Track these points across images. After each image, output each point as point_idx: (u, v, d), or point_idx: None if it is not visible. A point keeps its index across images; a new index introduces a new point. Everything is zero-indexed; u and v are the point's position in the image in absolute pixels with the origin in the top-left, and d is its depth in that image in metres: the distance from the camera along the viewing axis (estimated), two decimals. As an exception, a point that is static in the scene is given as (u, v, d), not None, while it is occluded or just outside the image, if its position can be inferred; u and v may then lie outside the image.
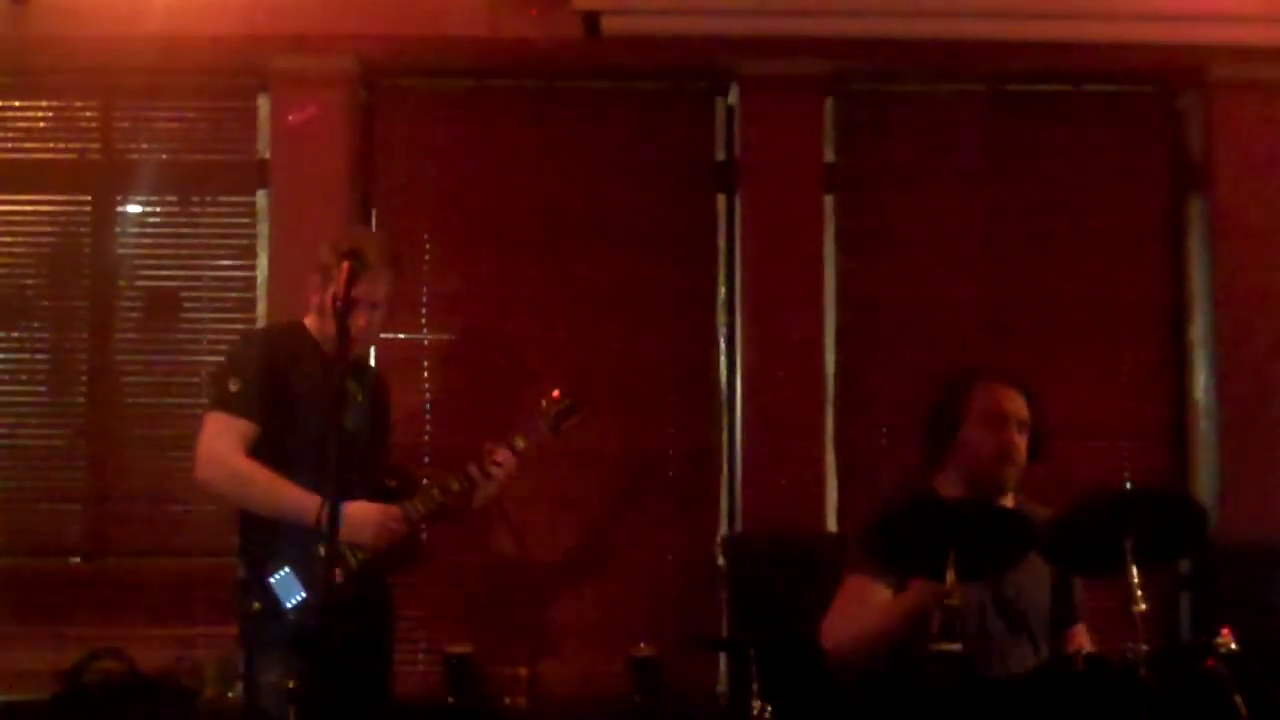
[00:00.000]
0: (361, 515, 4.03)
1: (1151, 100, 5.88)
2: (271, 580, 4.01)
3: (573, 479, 5.55)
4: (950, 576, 3.58)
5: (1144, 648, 3.54)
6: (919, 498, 4.06)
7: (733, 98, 5.75)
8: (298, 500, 3.95)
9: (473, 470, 4.24)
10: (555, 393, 4.46)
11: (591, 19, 5.48)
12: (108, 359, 5.62)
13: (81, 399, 5.63)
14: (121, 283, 5.68)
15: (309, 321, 4.23)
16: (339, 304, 3.63)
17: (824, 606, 4.02)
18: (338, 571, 3.82)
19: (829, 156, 5.76)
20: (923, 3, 5.52)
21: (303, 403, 4.08)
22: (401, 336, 5.58)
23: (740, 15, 5.54)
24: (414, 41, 5.55)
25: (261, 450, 4.07)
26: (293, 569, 4.01)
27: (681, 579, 5.62)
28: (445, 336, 5.68)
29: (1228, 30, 5.51)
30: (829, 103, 5.76)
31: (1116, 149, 5.85)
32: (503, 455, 4.28)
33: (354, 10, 5.50)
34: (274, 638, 3.96)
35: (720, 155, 5.81)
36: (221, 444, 4.07)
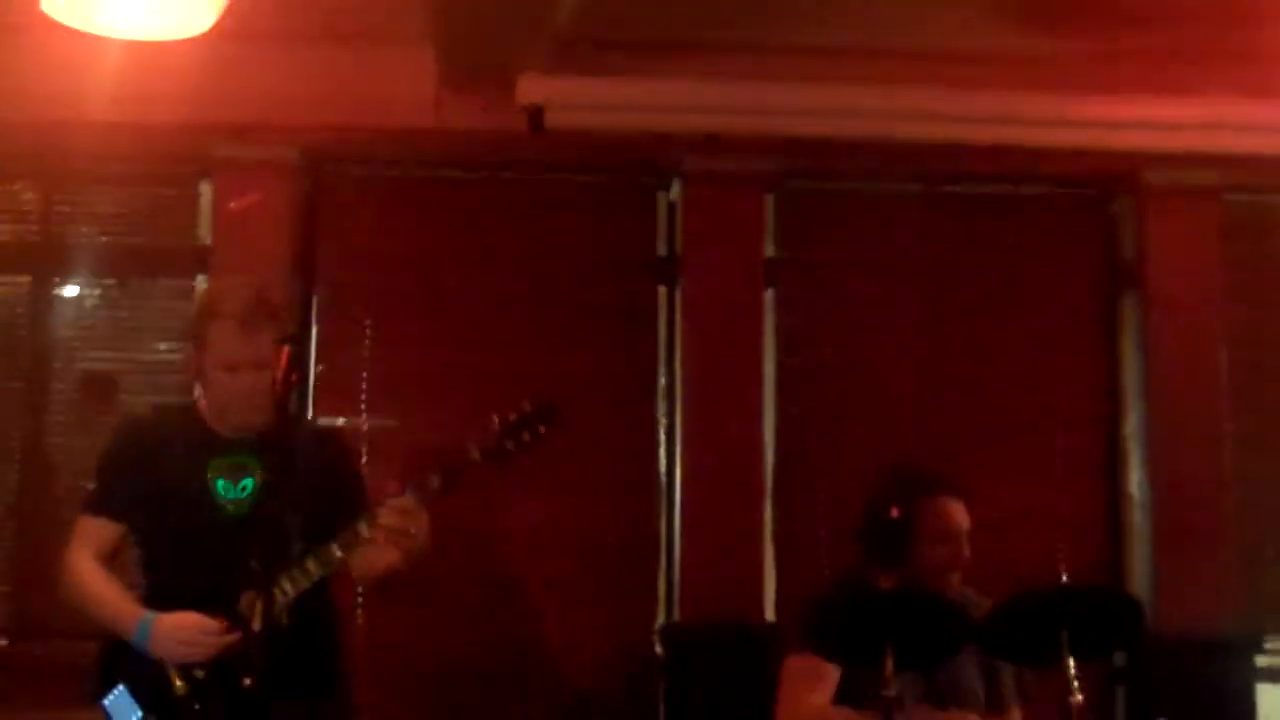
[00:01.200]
0: (166, 630, 3.55)
1: (1086, 203, 5.99)
2: (105, 703, 3.62)
3: (509, 564, 5.53)
4: (888, 666, 3.59)
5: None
6: (856, 588, 4.08)
7: (675, 193, 5.81)
8: (117, 614, 3.61)
9: (361, 528, 3.58)
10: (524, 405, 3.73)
11: (535, 113, 5.51)
12: (41, 440, 5.56)
13: (13, 480, 5.56)
14: (58, 364, 5.64)
15: (200, 403, 3.79)
16: (280, 389, 3.35)
17: (762, 696, 4.01)
18: (178, 684, 3.54)
19: (769, 251, 5.83)
20: (862, 104, 5.59)
21: (166, 492, 3.66)
22: (341, 421, 5.56)
23: (683, 112, 5.59)
24: (358, 131, 5.57)
25: (141, 548, 3.75)
26: (128, 685, 3.61)
27: (619, 668, 5.58)
28: (385, 422, 5.66)
29: (1160, 137, 5.61)
30: (770, 199, 5.83)
31: (1052, 249, 5.94)
32: (394, 504, 3.58)
33: (298, 100, 5.49)
34: None
35: (662, 249, 5.86)
36: (71, 548, 3.72)
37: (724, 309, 5.71)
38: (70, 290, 5.70)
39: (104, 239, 5.70)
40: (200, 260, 5.64)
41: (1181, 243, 5.81)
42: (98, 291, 5.73)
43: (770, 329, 5.78)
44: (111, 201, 5.76)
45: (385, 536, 3.58)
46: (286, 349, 3.40)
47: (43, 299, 5.66)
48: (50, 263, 5.68)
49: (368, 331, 5.69)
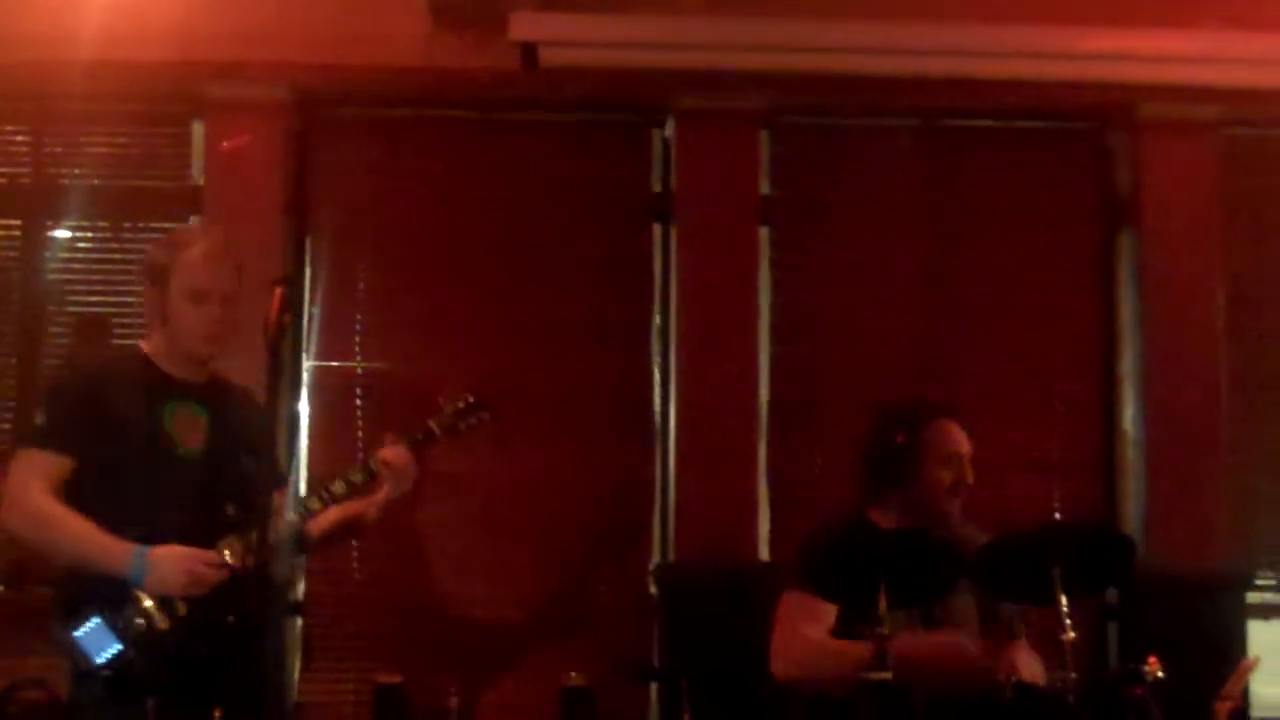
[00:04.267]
0: (167, 562, 3.48)
1: (1082, 137, 5.95)
2: (77, 635, 3.47)
3: (505, 507, 5.55)
4: (882, 605, 3.61)
5: (1072, 676, 3.59)
6: (853, 527, 4.09)
7: (669, 130, 5.78)
8: (104, 548, 3.48)
9: (336, 486, 3.75)
10: (468, 396, 3.99)
11: (529, 50, 5.49)
12: (36, 383, 5.55)
13: (7, 425, 5.56)
14: (51, 308, 5.63)
15: (146, 344, 3.74)
16: (271, 330, 3.30)
17: (757, 636, 4.02)
18: (160, 618, 3.47)
19: (764, 189, 5.80)
20: (857, 39, 5.56)
21: (122, 429, 3.57)
22: (335, 365, 5.56)
23: (677, 49, 5.56)
24: (350, 70, 5.53)
25: (83, 488, 3.57)
26: (103, 618, 3.47)
27: (614, 608, 5.61)
28: (378, 365, 5.66)
29: (1156, 70, 5.58)
30: (764, 136, 5.80)
31: (1047, 184, 5.92)
32: (399, 450, 3.80)
33: (290, 39, 5.46)
34: (92, 699, 3.48)
35: (656, 187, 5.84)
36: (24, 483, 3.56)
37: (719, 247, 5.70)
38: (62, 233, 5.68)
39: (96, 181, 5.66)
40: (193, 201, 5.63)
41: (1178, 177, 5.78)
42: (90, 234, 5.71)
43: (765, 267, 5.77)
44: (103, 143, 5.73)
45: (385, 473, 3.78)
46: (280, 290, 3.36)
47: (35, 242, 5.65)
48: (42, 205, 5.66)
49: (361, 273, 5.68)
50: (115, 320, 5.59)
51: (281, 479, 3.92)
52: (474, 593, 5.54)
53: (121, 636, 3.47)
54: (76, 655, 3.48)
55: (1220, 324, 5.72)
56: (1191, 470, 5.62)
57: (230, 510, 3.57)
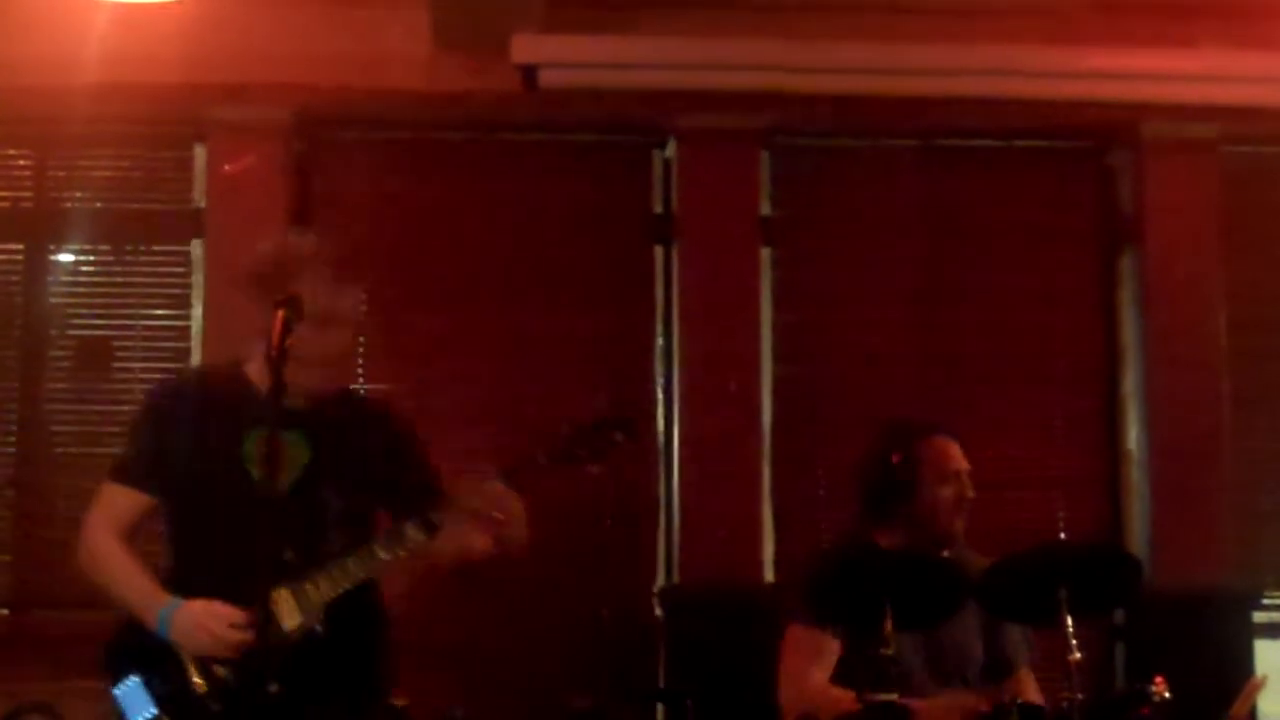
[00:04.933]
0: (188, 619, 3.19)
1: (1083, 156, 5.96)
2: (116, 693, 3.27)
3: (510, 529, 5.53)
4: (887, 626, 3.60)
5: (1079, 696, 3.59)
6: (857, 549, 4.08)
7: (670, 151, 5.79)
8: (140, 595, 3.24)
9: (410, 530, 3.28)
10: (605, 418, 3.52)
11: (530, 72, 5.50)
12: (38, 408, 5.56)
13: (10, 449, 5.56)
14: (53, 331, 5.63)
15: (252, 362, 3.37)
16: (274, 356, 2.98)
17: (761, 657, 4.02)
18: (197, 681, 3.20)
19: (765, 210, 5.81)
20: (858, 60, 5.57)
21: (199, 463, 3.30)
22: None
23: (677, 70, 5.58)
24: (352, 92, 5.54)
25: (170, 524, 3.38)
26: (142, 677, 3.25)
27: (618, 630, 5.59)
28: (381, 388, 5.65)
29: (1158, 88, 5.60)
30: (765, 156, 5.81)
31: (1049, 204, 5.92)
32: (486, 488, 3.32)
33: (292, 61, 5.47)
34: None
35: (658, 208, 5.84)
36: (91, 517, 3.40)
37: (721, 267, 5.70)
38: (65, 256, 5.68)
39: (98, 204, 5.67)
40: (195, 224, 5.63)
41: (1180, 196, 5.79)
42: (92, 257, 5.71)
43: (767, 287, 5.76)
44: (106, 166, 5.74)
45: (470, 520, 3.32)
46: (281, 313, 3.04)
47: (37, 265, 5.64)
48: (44, 229, 5.66)
49: (362, 295, 5.65)
50: (117, 344, 5.59)
51: (415, 500, 3.35)
52: (478, 614, 5.52)
53: (158, 699, 3.23)
54: (116, 713, 3.29)
55: (1223, 342, 5.72)
56: (1196, 489, 5.61)
57: (289, 556, 3.19)
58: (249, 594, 3.09)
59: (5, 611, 5.46)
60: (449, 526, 3.31)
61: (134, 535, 3.39)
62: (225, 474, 3.27)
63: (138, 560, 3.33)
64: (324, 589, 3.23)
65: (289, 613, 3.19)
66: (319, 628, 3.22)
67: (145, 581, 3.27)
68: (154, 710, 3.23)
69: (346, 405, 3.45)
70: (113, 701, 3.28)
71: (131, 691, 3.26)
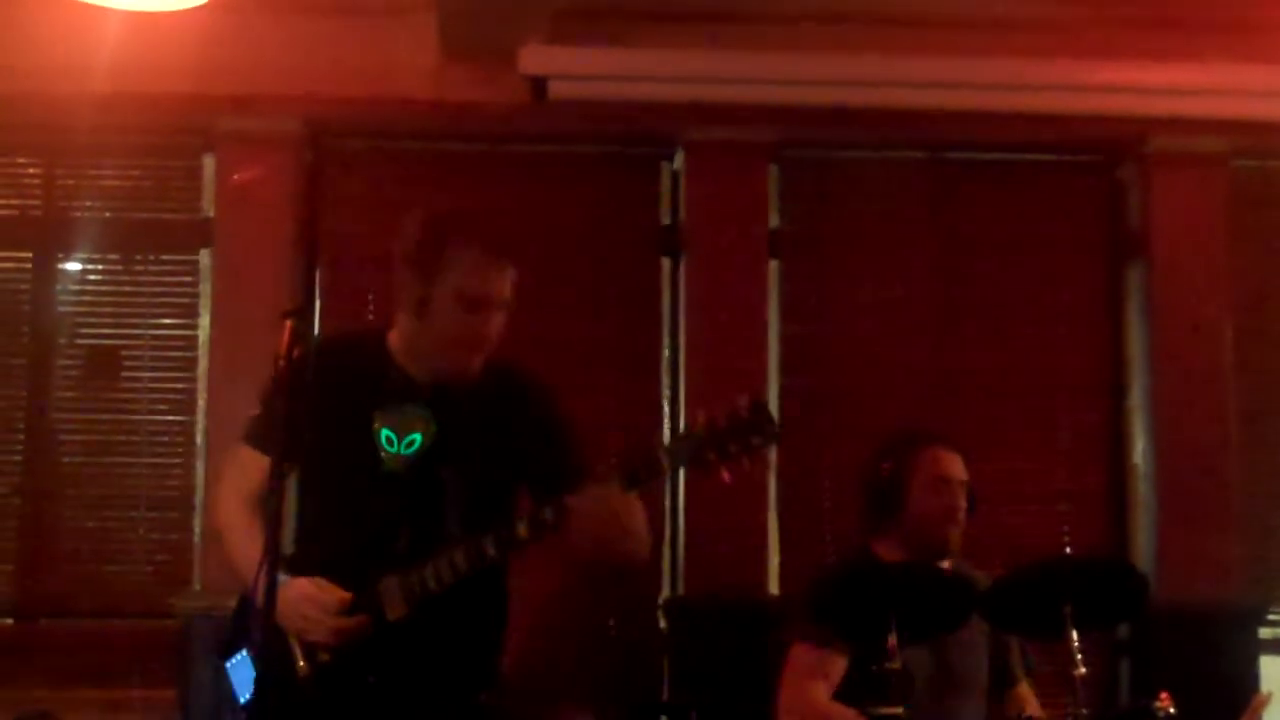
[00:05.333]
0: (290, 598, 3.02)
1: (1091, 170, 5.96)
2: (228, 665, 3.22)
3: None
4: (892, 640, 3.60)
5: (1084, 712, 3.59)
6: (859, 563, 4.08)
7: (678, 163, 5.79)
8: (250, 565, 2.91)
9: (520, 528, 3.14)
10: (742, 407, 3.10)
11: (538, 84, 5.52)
12: (45, 417, 5.56)
13: (18, 457, 5.55)
14: (61, 340, 5.62)
15: (393, 335, 3.27)
16: (281, 367, 2.86)
17: (766, 670, 4.02)
18: (301, 663, 3.07)
19: (773, 222, 5.80)
20: (866, 73, 5.58)
21: (326, 434, 3.10)
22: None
23: (686, 82, 5.59)
24: (361, 103, 5.55)
25: (301, 492, 3.25)
26: (250, 651, 3.17)
27: (623, 642, 5.59)
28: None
29: (1166, 103, 5.60)
30: (773, 169, 5.80)
31: (1057, 217, 5.91)
32: (598, 491, 3.07)
33: (301, 71, 5.48)
34: None
35: (665, 219, 5.84)
36: (221, 481, 3.34)
37: (728, 279, 5.69)
38: (73, 265, 5.69)
39: (107, 213, 5.68)
40: (204, 234, 5.63)
41: (1187, 210, 5.78)
42: (101, 266, 5.71)
43: (774, 300, 5.76)
44: (115, 175, 5.74)
45: (573, 524, 3.09)
46: (290, 322, 2.95)
47: (46, 274, 5.65)
48: (53, 238, 5.67)
49: (371, 304, 5.68)
50: (126, 353, 5.60)
51: (548, 486, 3.20)
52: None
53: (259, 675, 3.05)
54: (227, 687, 3.21)
55: (1230, 356, 5.71)
56: (1203, 504, 5.59)
57: (402, 542, 3.10)
58: (359, 577, 3.05)
59: (10, 620, 5.45)
60: (569, 526, 3.10)
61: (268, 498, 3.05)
62: (354, 447, 3.15)
63: (257, 529, 3.09)
64: (430, 582, 3.08)
65: (393, 603, 3.08)
66: (417, 620, 3.08)
67: (252, 547, 3.00)
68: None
69: (491, 383, 3.26)
70: (224, 674, 3.22)
71: (240, 665, 3.19)
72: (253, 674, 3.09)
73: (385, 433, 3.17)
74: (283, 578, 2.93)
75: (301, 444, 2.96)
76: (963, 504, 4.06)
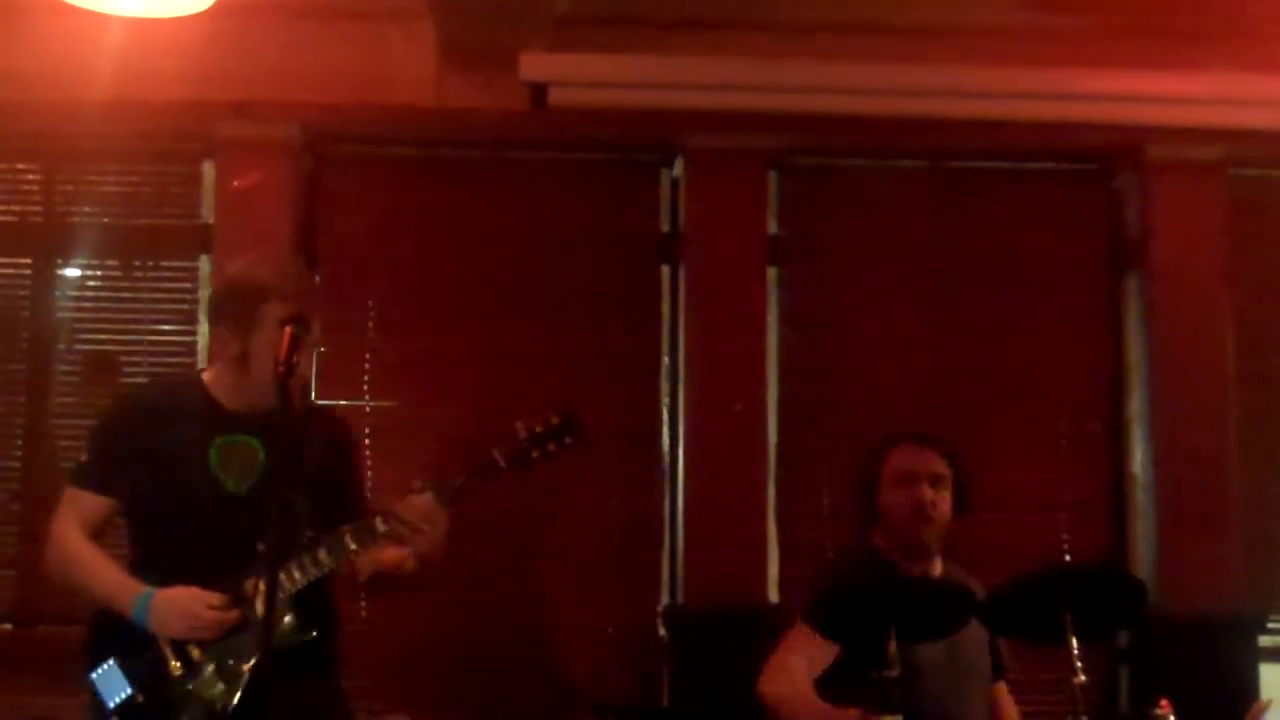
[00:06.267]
0: (166, 604, 3.43)
1: (1090, 178, 5.96)
2: (93, 676, 3.50)
3: (514, 547, 5.54)
4: (892, 648, 3.60)
5: (1084, 719, 3.57)
6: (866, 561, 4.09)
7: (678, 170, 5.80)
8: (116, 588, 3.49)
9: (377, 524, 3.54)
10: (551, 417, 3.65)
11: (538, 90, 5.52)
12: (44, 423, 5.56)
13: (16, 463, 5.56)
14: (61, 346, 5.63)
15: (208, 374, 3.71)
16: (281, 371, 3.21)
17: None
18: (174, 664, 3.45)
19: (773, 229, 5.81)
20: (865, 81, 5.58)
21: (165, 466, 3.55)
22: (344, 403, 5.55)
23: (685, 89, 5.59)
24: (360, 109, 5.56)
25: (132, 525, 3.63)
26: (119, 661, 3.48)
27: (622, 649, 5.59)
28: (388, 403, 5.66)
29: (1164, 111, 5.61)
30: (773, 176, 5.81)
31: (1056, 225, 5.91)
32: (416, 500, 3.54)
33: (300, 78, 5.49)
34: None
35: (665, 227, 5.84)
36: (58, 521, 3.61)
37: (727, 287, 5.69)
38: (73, 271, 5.69)
39: (106, 219, 5.68)
40: (203, 240, 5.63)
41: (1186, 218, 5.78)
42: (100, 272, 5.71)
43: (774, 307, 5.77)
44: (114, 181, 5.74)
45: (400, 533, 3.54)
46: (289, 330, 3.28)
47: (45, 280, 5.65)
48: (52, 243, 5.67)
49: (370, 312, 5.68)
50: (125, 359, 5.60)
51: (359, 511, 3.68)
52: (481, 633, 5.52)
53: (132, 680, 3.46)
54: (93, 697, 3.49)
55: (1229, 364, 5.71)
56: (1202, 512, 5.58)
57: (261, 548, 3.41)
58: (216, 585, 3.46)
59: (9, 626, 5.46)
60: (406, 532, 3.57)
61: (98, 537, 3.62)
62: (194, 477, 3.53)
63: (106, 554, 3.57)
64: (297, 577, 3.49)
65: (260, 598, 3.38)
66: (286, 613, 3.47)
67: (119, 574, 3.52)
68: (129, 690, 3.46)
69: (299, 414, 3.58)
70: (90, 685, 3.49)
71: (107, 674, 3.48)
72: (122, 680, 3.46)
73: (221, 460, 3.58)
74: (149, 590, 3.43)
75: (139, 480, 3.53)
76: (930, 496, 4.06)
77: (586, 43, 5.52)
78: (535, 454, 3.61)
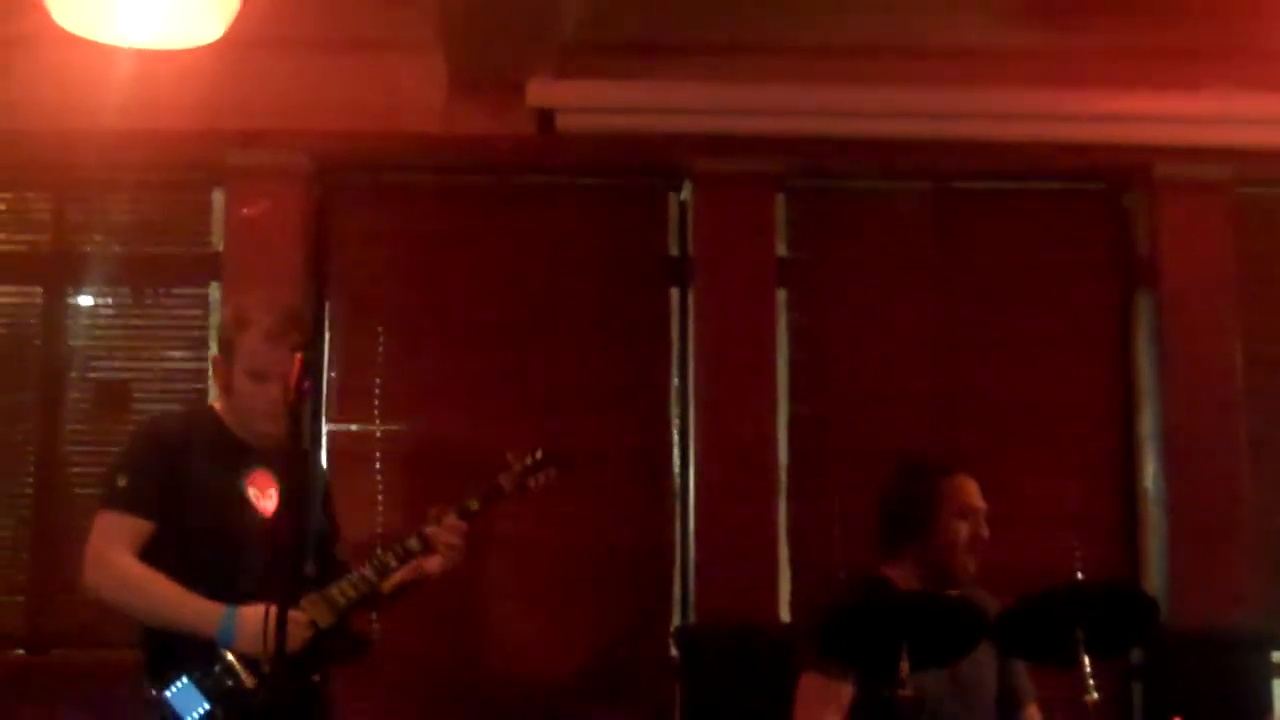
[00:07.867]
0: (256, 621, 3.55)
1: (1098, 198, 5.97)
2: (168, 695, 3.61)
3: (525, 569, 5.54)
4: (904, 668, 3.59)
5: (1098, 737, 3.57)
6: (871, 589, 4.08)
7: (686, 193, 5.81)
8: (195, 610, 3.63)
9: (411, 543, 3.85)
10: (537, 453, 4.05)
11: (546, 116, 5.55)
12: (56, 450, 5.57)
13: (29, 490, 5.57)
14: (72, 374, 5.64)
15: (218, 405, 3.93)
16: (291, 399, 3.45)
17: (777, 697, 4.01)
18: (247, 677, 3.62)
19: (781, 251, 5.82)
20: (872, 104, 5.61)
21: (204, 493, 3.74)
22: (354, 428, 5.57)
23: (692, 113, 5.62)
24: (369, 137, 5.58)
25: (163, 551, 3.71)
26: (192, 678, 3.61)
27: (635, 670, 5.59)
28: (398, 428, 5.67)
29: (1172, 131, 5.63)
30: (781, 198, 5.82)
31: (1065, 245, 5.92)
32: (450, 522, 3.87)
33: (309, 106, 5.51)
34: None
35: (673, 250, 5.85)
36: (109, 545, 3.70)
37: (736, 309, 5.70)
38: (83, 299, 5.71)
39: (116, 248, 5.70)
40: (213, 268, 5.65)
41: (1195, 237, 5.78)
42: (110, 300, 5.74)
43: (783, 329, 5.77)
44: (124, 210, 5.76)
45: (439, 551, 3.86)
46: (300, 356, 3.48)
47: (56, 308, 5.67)
48: (63, 272, 5.69)
49: (380, 337, 5.70)
50: (136, 387, 5.62)
51: (338, 537, 4.09)
52: (494, 654, 5.52)
53: (210, 696, 3.60)
54: (168, 715, 3.60)
55: (1240, 381, 5.70)
56: (1214, 529, 5.57)
57: (309, 569, 3.71)
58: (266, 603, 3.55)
59: (21, 651, 5.45)
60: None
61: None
62: (231, 503, 3.74)
63: (168, 580, 3.66)
64: (349, 593, 3.76)
65: (322, 614, 3.71)
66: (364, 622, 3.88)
67: (192, 596, 3.64)
68: (207, 706, 3.59)
69: (304, 444, 4.07)
70: (164, 704, 3.60)
71: (182, 691, 3.60)
72: (198, 696, 3.59)
73: (251, 489, 3.81)
74: (231, 609, 3.61)
75: (179, 505, 3.70)
76: (986, 533, 4.09)
77: (593, 69, 5.55)
78: (530, 483, 4.00)
